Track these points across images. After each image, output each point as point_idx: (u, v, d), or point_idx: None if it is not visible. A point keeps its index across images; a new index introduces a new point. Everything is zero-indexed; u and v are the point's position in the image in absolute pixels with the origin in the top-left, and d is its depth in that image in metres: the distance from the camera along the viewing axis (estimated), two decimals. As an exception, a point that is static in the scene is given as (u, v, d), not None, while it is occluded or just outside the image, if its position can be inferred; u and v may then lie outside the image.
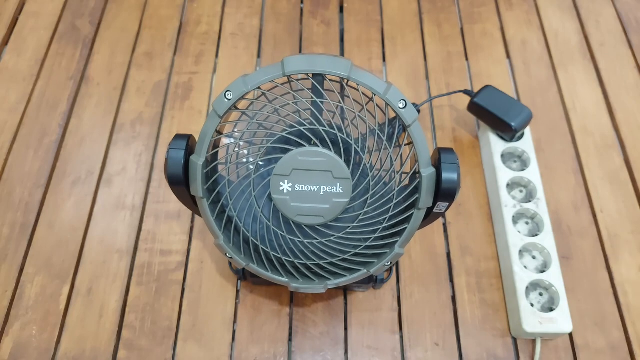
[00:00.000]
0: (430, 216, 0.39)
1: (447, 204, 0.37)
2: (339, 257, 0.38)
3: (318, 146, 0.35)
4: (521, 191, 0.55)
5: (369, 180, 0.37)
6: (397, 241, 0.38)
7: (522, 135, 0.57)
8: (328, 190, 0.36)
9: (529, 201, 0.53)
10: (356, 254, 0.38)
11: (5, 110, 0.61)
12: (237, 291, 0.51)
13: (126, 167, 0.58)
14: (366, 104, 0.36)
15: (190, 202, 0.40)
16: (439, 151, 0.37)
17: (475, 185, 0.58)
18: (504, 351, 0.49)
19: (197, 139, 0.38)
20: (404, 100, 0.35)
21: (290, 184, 0.36)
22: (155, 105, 0.62)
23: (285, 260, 0.39)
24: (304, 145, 0.35)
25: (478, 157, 0.59)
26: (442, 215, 0.41)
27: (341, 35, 0.69)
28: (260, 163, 0.38)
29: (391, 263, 0.39)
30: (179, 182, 0.37)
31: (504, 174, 0.55)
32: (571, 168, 0.59)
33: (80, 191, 0.56)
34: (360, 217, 0.37)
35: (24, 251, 0.53)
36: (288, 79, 0.37)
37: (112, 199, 0.56)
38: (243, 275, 0.49)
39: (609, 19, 0.71)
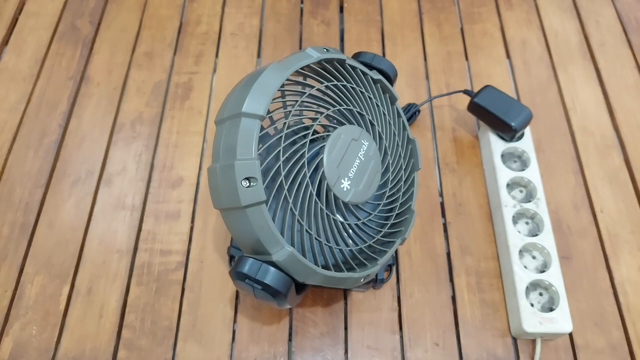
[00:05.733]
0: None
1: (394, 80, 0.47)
2: (395, 214, 0.42)
3: (330, 133, 0.37)
4: (521, 191, 0.55)
5: (371, 120, 0.41)
6: (412, 163, 0.45)
7: (522, 135, 0.57)
8: (364, 151, 0.40)
9: (529, 201, 0.53)
10: (404, 198, 0.44)
11: (5, 110, 0.61)
12: (237, 291, 0.51)
13: (126, 167, 0.58)
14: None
15: (295, 294, 0.37)
16: (358, 58, 0.45)
17: (475, 185, 0.58)
18: (504, 351, 0.49)
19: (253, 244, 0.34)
20: (325, 48, 0.40)
21: (346, 177, 0.38)
22: (155, 105, 0.62)
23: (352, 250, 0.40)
24: (324, 142, 0.37)
25: (478, 157, 0.59)
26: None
27: (341, 35, 0.69)
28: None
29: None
30: (289, 285, 0.35)
31: (504, 174, 0.55)
32: (571, 168, 0.59)
33: (80, 191, 0.56)
34: (393, 167, 0.42)
35: (24, 251, 0.53)
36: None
37: (112, 199, 0.56)
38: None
39: (609, 19, 0.71)
